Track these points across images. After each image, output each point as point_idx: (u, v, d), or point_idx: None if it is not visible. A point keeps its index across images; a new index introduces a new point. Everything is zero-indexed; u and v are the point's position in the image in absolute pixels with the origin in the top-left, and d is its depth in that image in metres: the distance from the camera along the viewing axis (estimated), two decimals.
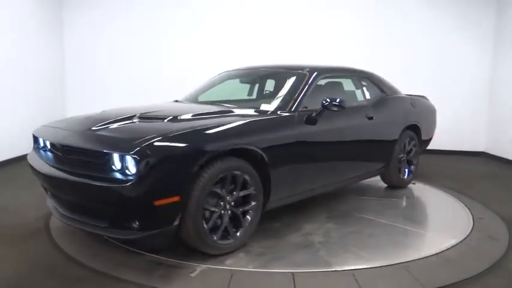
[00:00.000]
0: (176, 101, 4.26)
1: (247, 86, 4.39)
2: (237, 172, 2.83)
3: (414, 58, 6.88)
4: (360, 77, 4.39)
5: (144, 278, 2.56)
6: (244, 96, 4.35)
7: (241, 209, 2.93)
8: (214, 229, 2.81)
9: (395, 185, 4.74)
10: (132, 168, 2.42)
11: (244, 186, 2.93)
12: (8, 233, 3.30)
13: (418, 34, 6.90)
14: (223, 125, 2.92)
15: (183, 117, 3.09)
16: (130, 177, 2.41)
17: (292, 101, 3.41)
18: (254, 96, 4.29)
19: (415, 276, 2.66)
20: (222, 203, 2.82)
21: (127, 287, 2.48)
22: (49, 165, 2.93)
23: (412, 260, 2.87)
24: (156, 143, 2.48)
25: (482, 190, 4.79)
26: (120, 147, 2.51)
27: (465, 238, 3.29)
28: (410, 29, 6.90)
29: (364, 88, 4.32)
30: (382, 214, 3.85)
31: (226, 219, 2.85)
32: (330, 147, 3.65)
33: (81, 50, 7.10)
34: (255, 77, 4.35)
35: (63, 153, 2.81)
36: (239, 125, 3.00)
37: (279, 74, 4.09)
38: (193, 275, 2.61)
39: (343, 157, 3.85)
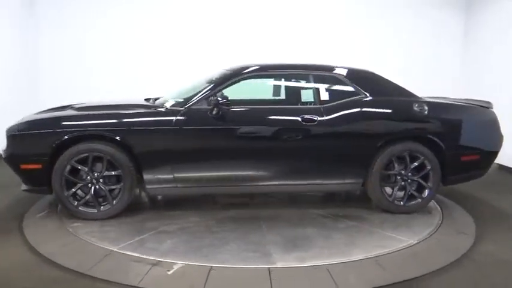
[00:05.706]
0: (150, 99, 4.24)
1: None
2: (100, 154, 3.40)
3: (389, 60, 7.04)
4: (321, 76, 3.94)
5: (120, 277, 2.58)
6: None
7: (107, 187, 3.47)
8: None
9: (386, 210, 3.81)
10: None
11: (114, 167, 3.44)
12: None
13: (392, 38, 7.10)
14: (87, 115, 3.63)
15: (85, 108, 3.83)
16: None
17: (187, 99, 3.64)
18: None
19: (385, 268, 2.76)
20: (88, 177, 3.43)
21: (103, 287, 2.49)
22: None
23: (383, 255, 2.95)
24: (20, 124, 3.50)
25: (456, 189, 4.89)
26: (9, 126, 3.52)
27: (434, 232, 3.41)
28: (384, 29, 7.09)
29: (322, 89, 3.87)
30: (294, 229, 3.39)
31: (91, 192, 3.46)
32: (221, 145, 3.61)
33: (55, 47, 6.90)
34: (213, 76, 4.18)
35: None
36: (93, 115, 3.62)
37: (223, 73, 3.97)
38: (170, 272, 2.64)
39: (251, 158, 3.65)
